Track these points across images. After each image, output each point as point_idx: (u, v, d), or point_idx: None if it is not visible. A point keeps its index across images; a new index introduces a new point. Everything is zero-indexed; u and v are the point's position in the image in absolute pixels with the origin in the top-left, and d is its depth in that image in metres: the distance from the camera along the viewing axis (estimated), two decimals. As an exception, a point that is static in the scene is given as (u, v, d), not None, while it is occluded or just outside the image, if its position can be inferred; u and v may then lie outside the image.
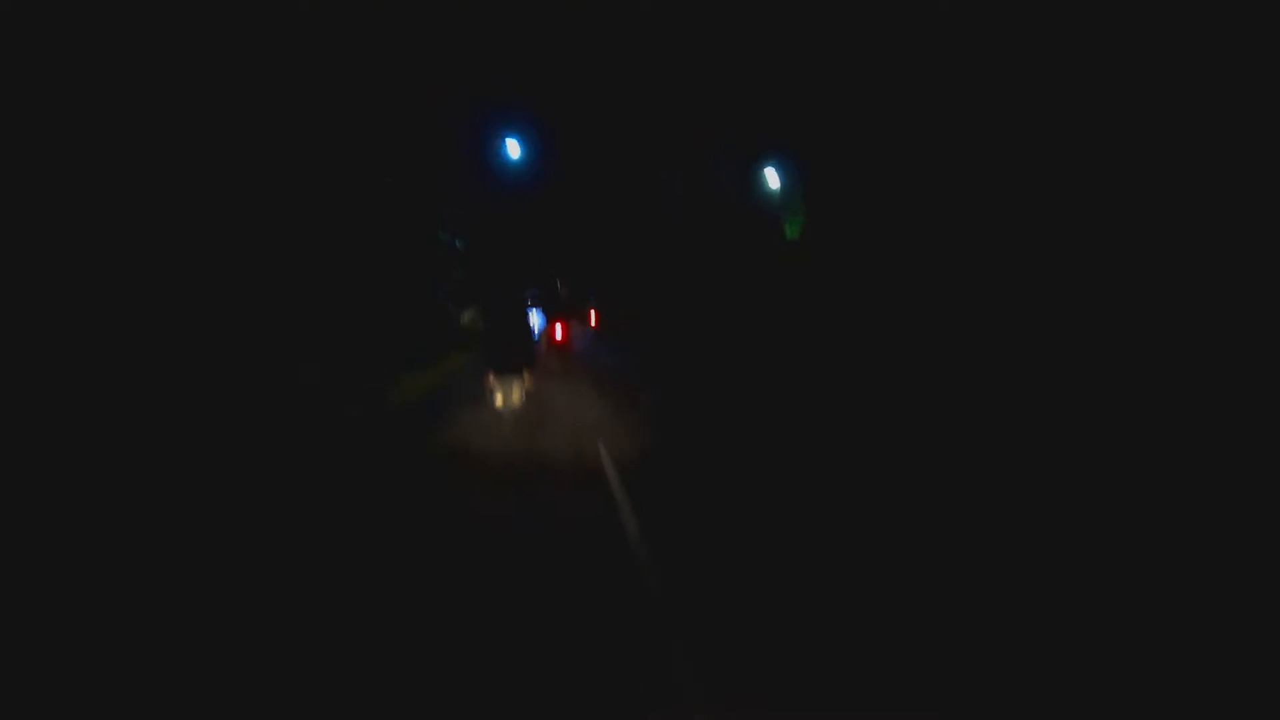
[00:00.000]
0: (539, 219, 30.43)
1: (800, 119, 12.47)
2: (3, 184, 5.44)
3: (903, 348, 8.63)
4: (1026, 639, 2.91)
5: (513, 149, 17.20)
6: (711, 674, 2.58)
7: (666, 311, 24.71)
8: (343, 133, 11.09)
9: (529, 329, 8.21)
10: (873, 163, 10.04)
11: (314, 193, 10.01)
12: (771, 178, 15.32)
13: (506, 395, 7.64)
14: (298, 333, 9.22)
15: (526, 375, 7.86)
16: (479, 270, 19.96)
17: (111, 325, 6.14)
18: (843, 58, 9.95)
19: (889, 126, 9.29)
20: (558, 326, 12.76)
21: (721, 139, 17.46)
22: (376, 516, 4.65)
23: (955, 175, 7.89)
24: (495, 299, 7.91)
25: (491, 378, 7.64)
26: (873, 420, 7.54)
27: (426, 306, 15.26)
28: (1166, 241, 5.30)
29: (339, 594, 3.32)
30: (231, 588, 3.36)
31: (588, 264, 33.71)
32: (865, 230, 10.39)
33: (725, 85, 15.51)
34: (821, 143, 11.82)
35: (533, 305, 17.27)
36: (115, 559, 3.71)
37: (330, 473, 5.83)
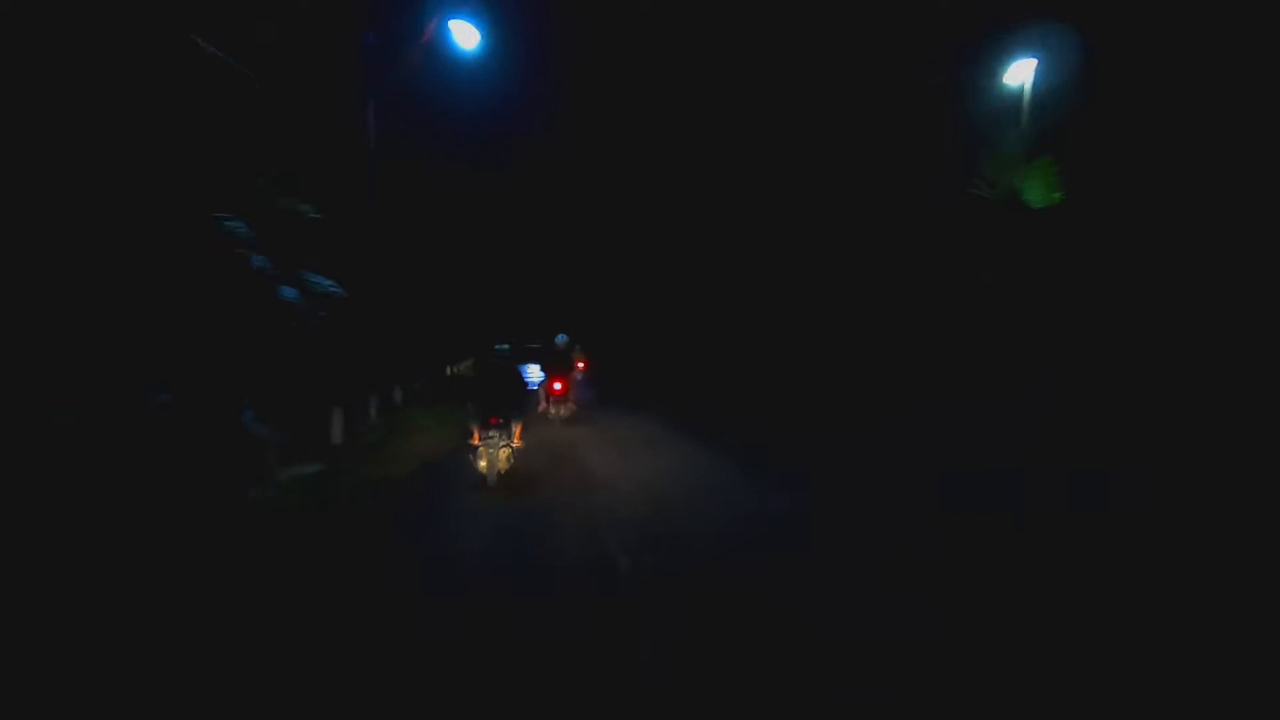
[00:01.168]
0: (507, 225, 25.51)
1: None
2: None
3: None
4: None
5: (463, 36, 10.46)
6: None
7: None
8: None
9: (521, 385, 7.50)
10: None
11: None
12: (1020, 74, 8.67)
13: (491, 458, 6.89)
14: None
15: (516, 434, 7.14)
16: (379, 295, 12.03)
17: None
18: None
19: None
20: (556, 384, 12.01)
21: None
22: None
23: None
24: (482, 353, 7.26)
25: (477, 436, 6.92)
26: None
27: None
28: None
29: None
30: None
31: (576, 289, 30.36)
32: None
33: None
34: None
35: (529, 360, 15.27)
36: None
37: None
